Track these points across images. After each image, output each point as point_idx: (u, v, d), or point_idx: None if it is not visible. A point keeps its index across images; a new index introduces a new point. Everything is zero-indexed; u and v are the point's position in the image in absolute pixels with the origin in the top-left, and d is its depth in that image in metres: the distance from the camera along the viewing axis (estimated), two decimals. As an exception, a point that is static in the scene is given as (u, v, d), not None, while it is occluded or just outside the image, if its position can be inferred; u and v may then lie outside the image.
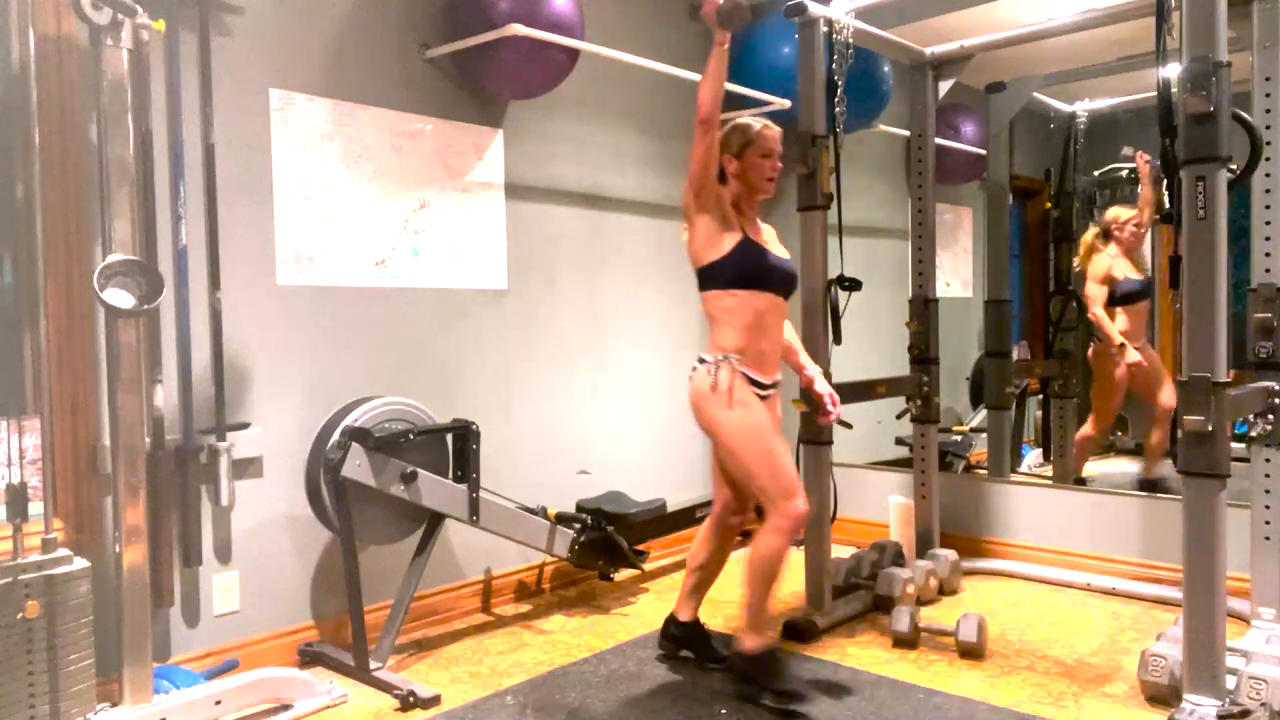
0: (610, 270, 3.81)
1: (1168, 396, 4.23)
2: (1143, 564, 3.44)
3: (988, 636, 2.83)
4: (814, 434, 3.04)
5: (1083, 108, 4.57)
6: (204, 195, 2.63)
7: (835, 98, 3.09)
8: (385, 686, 2.57)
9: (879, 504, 3.95)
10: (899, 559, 3.48)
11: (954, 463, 4.42)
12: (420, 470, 2.74)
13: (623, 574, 3.63)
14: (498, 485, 3.19)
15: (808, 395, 2.77)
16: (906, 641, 2.90)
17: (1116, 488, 4.04)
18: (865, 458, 4.25)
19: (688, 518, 3.67)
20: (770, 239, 2.64)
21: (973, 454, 4.54)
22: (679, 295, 4.03)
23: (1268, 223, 2.68)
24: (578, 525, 3.27)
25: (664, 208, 3.95)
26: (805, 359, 2.79)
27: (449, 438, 2.91)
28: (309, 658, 2.79)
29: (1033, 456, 4.72)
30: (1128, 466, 4.56)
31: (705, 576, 2.83)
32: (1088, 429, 4.40)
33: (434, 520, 2.88)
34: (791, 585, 3.54)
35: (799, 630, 2.98)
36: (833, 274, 3.08)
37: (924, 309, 3.57)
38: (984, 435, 4.39)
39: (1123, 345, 4.21)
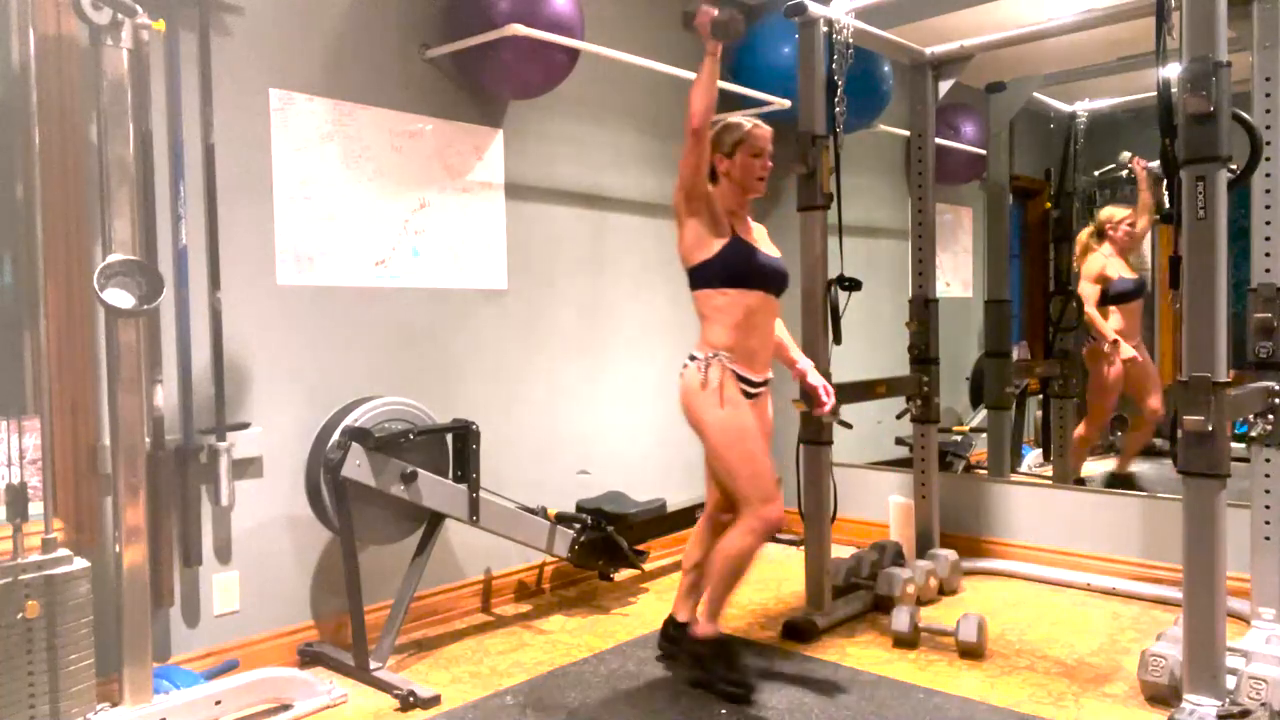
0: (610, 270, 3.81)
1: (1155, 401, 4.27)
2: (1143, 564, 3.44)
3: (988, 636, 2.83)
4: (814, 434, 3.04)
5: (1083, 108, 4.57)
6: (204, 195, 2.63)
7: (835, 98, 3.09)
8: (385, 686, 2.57)
9: (879, 504, 3.96)
10: (899, 559, 3.48)
11: (954, 463, 4.42)
12: (420, 470, 2.74)
13: (623, 574, 3.63)
14: (498, 485, 3.19)
15: (803, 390, 2.78)
16: (906, 641, 2.90)
17: (1118, 487, 4.05)
18: (865, 458, 4.25)
19: (687, 518, 3.67)
20: (761, 238, 2.65)
21: (973, 454, 4.54)
22: (679, 295, 4.00)
23: (1268, 223, 2.69)
24: (578, 525, 3.27)
25: (664, 208, 3.95)
26: (796, 353, 2.80)
27: (449, 438, 2.91)
28: (309, 658, 2.79)
29: (1033, 456, 4.72)
30: (1128, 466, 4.56)
31: (701, 575, 2.82)
32: (1082, 429, 4.41)
33: (434, 520, 2.88)
34: (791, 585, 3.55)
35: (799, 630, 2.98)
36: (833, 274, 3.08)
37: (924, 309, 3.57)
38: (984, 435, 4.40)
39: (1115, 341, 4.23)
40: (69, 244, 2.36)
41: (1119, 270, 4.31)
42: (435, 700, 2.52)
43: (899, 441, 4.11)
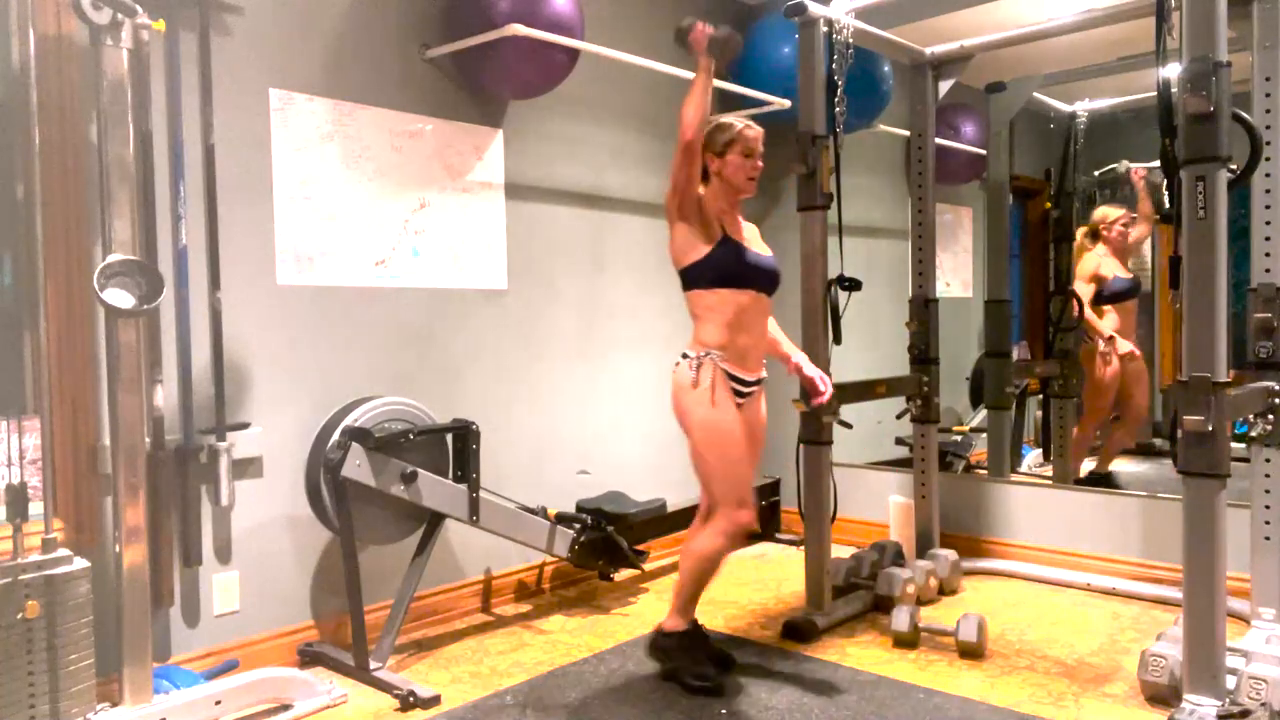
0: (610, 270, 3.81)
1: (1141, 400, 4.29)
2: (1143, 564, 3.44)
3: (988, 636, 2.83)
4: (814, 434, 3.04)
5: (1083, 108, 4.57)
6: (204, 195, 2.63)
7: (835, 98, 3.09)
8: (385, 686, 2.56)
9: (879, 504, 3.96)
10: (899, 559, 3.48)
11: (954, 463, 4.42)
12: (420, 470, 2.74)
13: (623, 574, 3.62)
14: (498, 485, 3.19)
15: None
16: (906, 641, 2.90)
17: (1119, 487, 4.05)
18: (865, 458, 4.25)
19: (687, 518, 3.63)
20: (752, 237, 2.66)
21: (973, 454, 4.54)
22: (679, 295, 4.00)
23: (1268, 223, 2.68)
24: (578, 525, 3.27)
25: (664, 207, 3.94)
26: (789, 347, 2.81)
27: (449, 438, 2.91)
28: (309, 658, 2.79)
29: (1033, 456, 4.72)
30: (1128, 466, 4.56)
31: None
32: (1078, 429, 4.41)
33: (434, 520, 2.88)
34: (791, 585, 3.55)
35: (799, 630, 2.97)
36: (833, 274, 3.08)
37: (924, 309, 3.57)
38: (984, 435, 4.39)
39: (1112, 338, 4.24)
40: (69, 244, 2.36)
41: (1113, 270, 4.33)
42: (435, 700, 2.52)
43: (899, 441, 4.11)
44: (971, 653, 2.79)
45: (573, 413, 3.67)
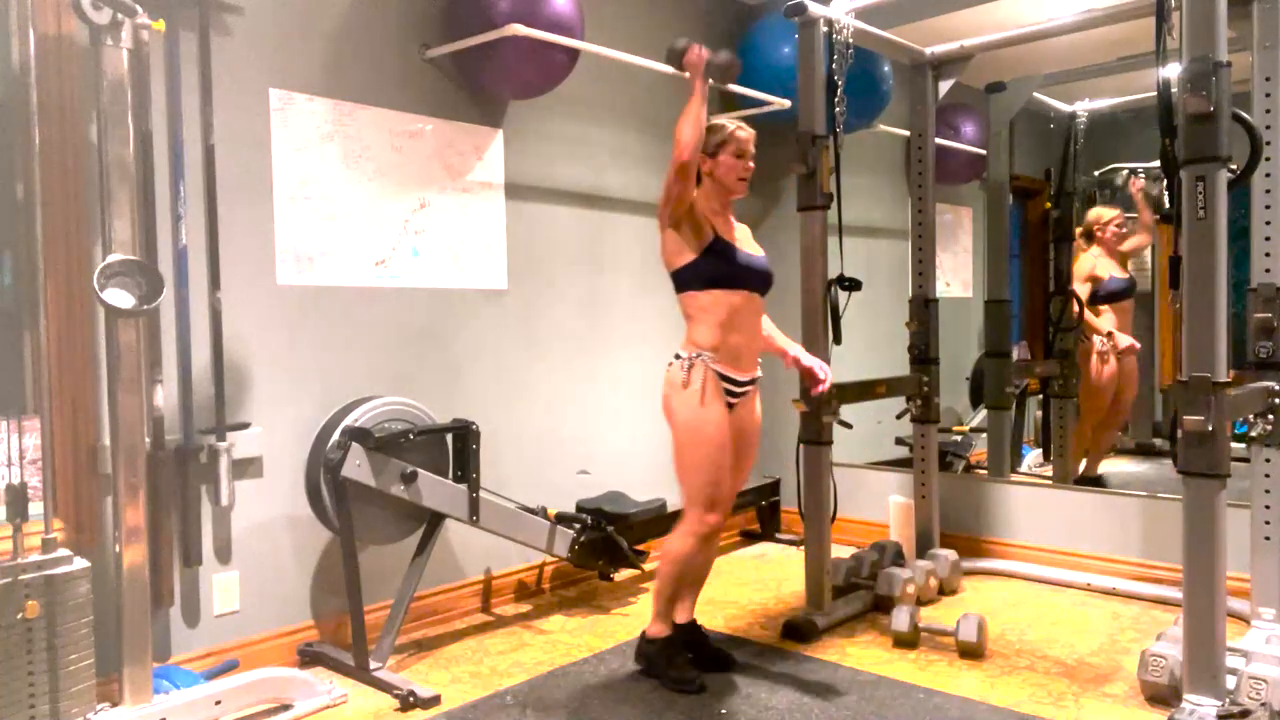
0: (610, 270, 3.81)
1: (1129, 398, 4.31)
2: (1143, 564, 3.44)
3: (988, 636, 2.83)
4: (814, 434, 3.04)
5: (1083, 108, 4.57)
6: (204, 195, 2.63)
7: (835, 98, 3.09)
8: (385, 686, 2.57)
9: (879, 504, 3.96)
10: (899, 559, 3.48)
11: (954, 463, 4.42)
12: (420, 470, 2.74)
13: (623, 574, 3.62)
14: (498, 485, 3.19)
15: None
16: (906, 641, 2.90)
17: (1116, 488, 4.05)
18: (865, 458, 4.25)
19: (688, 518, 3.67)
20: (743, 237, 2.67)
21: (973, 454, 4.54)
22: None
23: (1268, 223, 2.69)
24: (578, 525, 3.27)
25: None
26: (783, 341, 2.81)
27: (449, 438, 2.91)
28: (309, 658, 2.79)
29: (1033, 456, 4.72)
30: (1128, 466, 4.57)
31: (695, 576, 2.82)
32: (1077, 430, 4.42)
33: (434, 520, 2.88)
34: (791, 585, 3.55)
35: (799, 630, 2.97)
36: (833, 274, 3.08)
37: (924, 309, 3.57)
38: (984, 435, 4.40)
39: (1111, 333, 4.25)
40: (69, 244, 2.36)
41: (1109, 270, 4.34)
42: (435, 700, 2.52)
43: (899, 441, 4.11)
44: (971, 653, 2.79)
45: (573, 413, 3.67)
